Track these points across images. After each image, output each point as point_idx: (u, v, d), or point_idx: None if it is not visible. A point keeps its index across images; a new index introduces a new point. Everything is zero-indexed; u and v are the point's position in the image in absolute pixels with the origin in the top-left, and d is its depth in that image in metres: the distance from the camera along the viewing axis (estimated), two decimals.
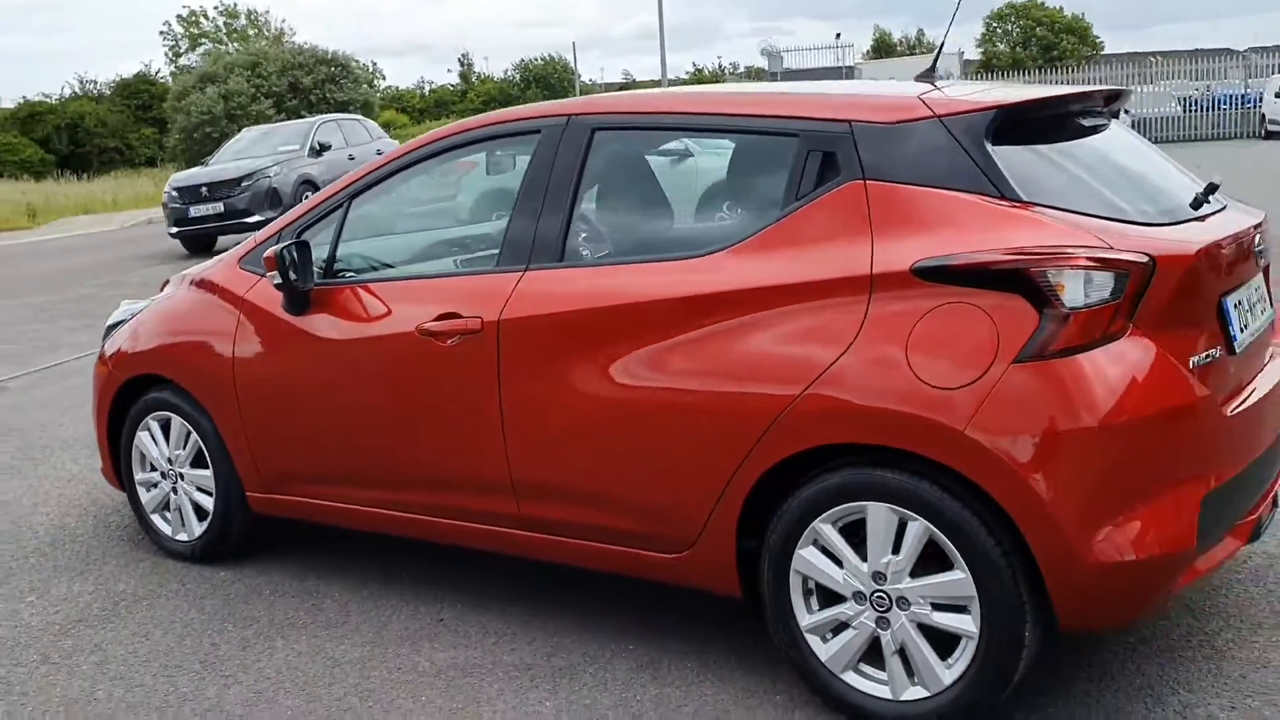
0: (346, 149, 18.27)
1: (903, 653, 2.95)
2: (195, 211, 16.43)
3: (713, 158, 4.04)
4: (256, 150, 17.82)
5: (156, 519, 4.61)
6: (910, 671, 2.96)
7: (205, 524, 4.44)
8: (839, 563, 3.00)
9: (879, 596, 2.96)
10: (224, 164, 17.44)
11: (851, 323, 2.90)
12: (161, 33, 66.17)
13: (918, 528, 2.86)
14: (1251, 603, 3.59)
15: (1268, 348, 3.41)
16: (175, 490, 4.51)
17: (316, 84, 39.60)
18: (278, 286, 3.91)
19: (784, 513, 3.05)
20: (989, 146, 2.94)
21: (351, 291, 3.90)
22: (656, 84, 39.19)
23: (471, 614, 3.86)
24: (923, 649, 2.92)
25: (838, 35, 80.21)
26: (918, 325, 2.82)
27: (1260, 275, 3.40)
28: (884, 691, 3.00)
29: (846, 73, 43.99)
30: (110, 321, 4.87)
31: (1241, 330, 3.10)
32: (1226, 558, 3.01)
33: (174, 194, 16.70)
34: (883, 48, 67.82)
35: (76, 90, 71.19)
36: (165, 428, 4.49)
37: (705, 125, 3.52)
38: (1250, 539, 3.10)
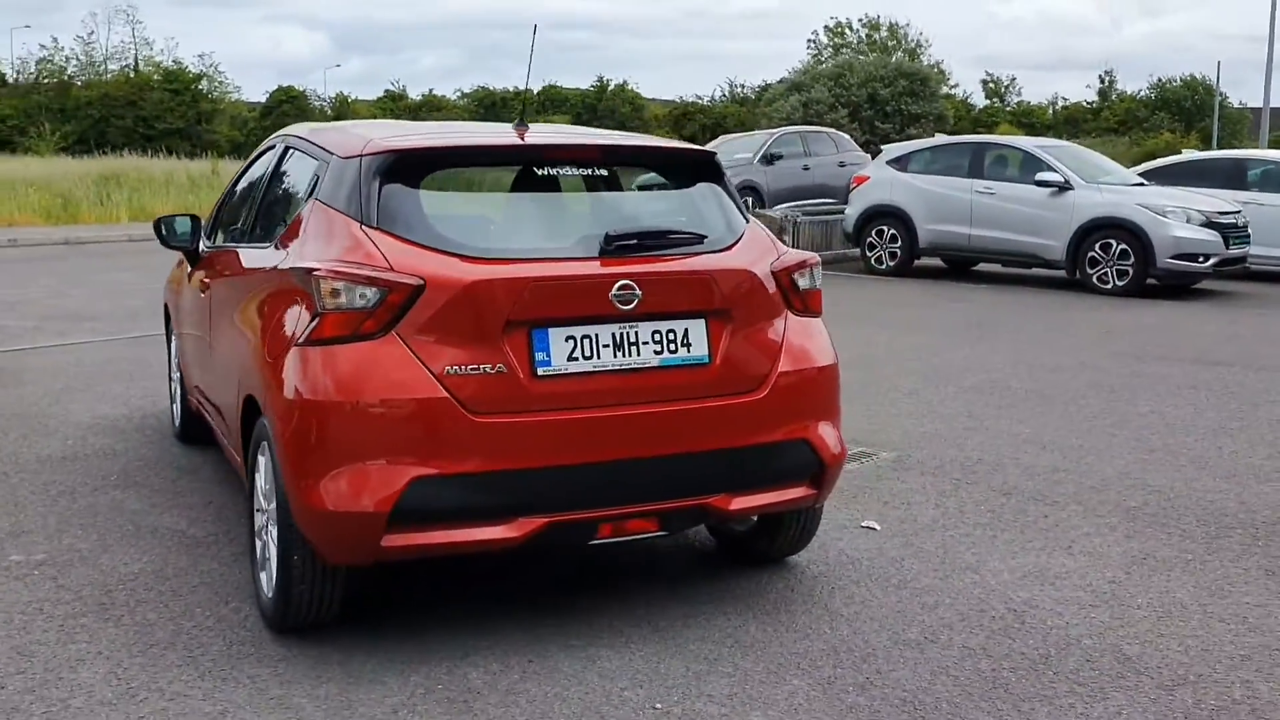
0: (803, 159, 19.58)
1: (268, 562, 3.86)
2: None
3: None
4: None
5: (175, 408, 6.45)
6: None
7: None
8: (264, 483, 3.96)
9: (262, 514, 3.89)
10: None
11: (267, 301, 3.88)
12: (809, 41, 70.70)
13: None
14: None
15: (668, 382, 3.69)
16: (173, 390, 6.33)
17: (894, 96, 41.08)
18: (163, 245, 5.53)
19: (251, 439, 4.06)
20: (375, 182, 3.71)
21: (208, 256, 5.38)
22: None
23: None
24: (272, 560, 3.80)
25: None
26: (282, 310, 3.73)
27: (685, 321, 3.69)
28: (266, 590, 3.91)
29: None
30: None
31: (569, 359, 3.54)
32: (488, 541, 3.49)
33: None
34: None
35: (725, 94, 78.58)
36: None
37: (307, 151, 4.46)
38: (553, 538, 3.55)
